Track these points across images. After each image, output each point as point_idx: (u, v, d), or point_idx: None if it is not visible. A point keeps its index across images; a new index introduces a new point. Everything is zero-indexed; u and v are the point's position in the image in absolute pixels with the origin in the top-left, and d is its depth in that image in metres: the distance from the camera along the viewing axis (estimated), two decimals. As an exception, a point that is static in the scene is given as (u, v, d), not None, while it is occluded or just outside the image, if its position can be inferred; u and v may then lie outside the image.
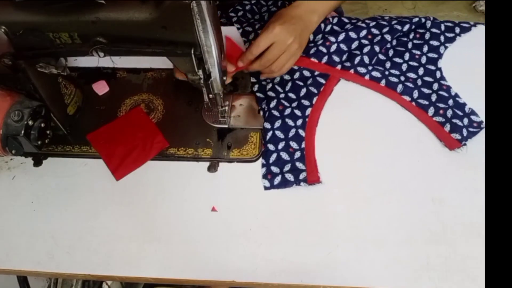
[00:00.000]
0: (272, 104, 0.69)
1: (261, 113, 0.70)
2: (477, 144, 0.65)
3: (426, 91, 0.70)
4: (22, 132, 0.57)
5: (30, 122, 0.58)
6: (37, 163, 0.68)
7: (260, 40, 0.65)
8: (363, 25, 0.75)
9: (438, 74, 0.73)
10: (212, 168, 0.66)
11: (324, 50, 0.73)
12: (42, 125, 0.61)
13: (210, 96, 0.62)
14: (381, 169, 0.64)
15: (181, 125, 0.70)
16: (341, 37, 0.73)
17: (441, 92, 0.70)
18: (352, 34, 0.74)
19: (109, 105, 0.73)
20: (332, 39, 0.73)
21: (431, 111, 0.68)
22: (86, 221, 0.61)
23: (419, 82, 0.72)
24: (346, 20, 0.78)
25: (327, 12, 0.74)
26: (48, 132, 0.63)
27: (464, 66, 0.74)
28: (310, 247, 0.58)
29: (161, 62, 0.77)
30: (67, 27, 0.53)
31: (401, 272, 0.56)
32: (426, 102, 0.69)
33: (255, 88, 0.73)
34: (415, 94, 0.70)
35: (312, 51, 0.73)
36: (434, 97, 0.69)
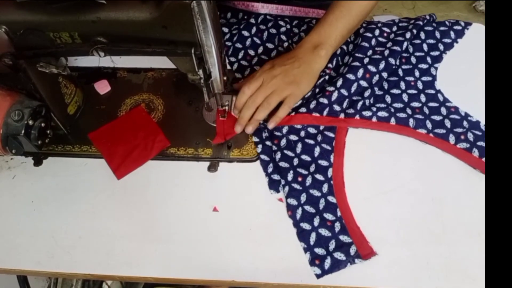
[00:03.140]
0: (290, 176, 0.63)
1: (267, 178, 0.64)
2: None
3: (437, 118, 0.67)
4: (22, 131, 0.57)
5: (30, 122, 0.58)
6: (37, 162, 0.68)
7: (245, 85, 0.65)
8: (357, 63, 0.71)
9: (440, 97, 0.70)
10: (212, 168, 0.66)
11: (326, 101, 0.68)
12: (42, 124, 0.61)
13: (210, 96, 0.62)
14: (381, 168, 0.64)
15: (181, 125, 0.70)
16: (339, 82, 0.69)
17: (452, 116, 0.67)
18: (350, 76, 0.69)
19: (109, 105, 0.73)
20: (331, 88, 0.69)
21: (451, 139, 0.65)
22: (86, 221, 0.62)
23: (426, 110, 0.69)
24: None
25: (338, 42, 0.70)
26: (48, 131, 0.63)
27: (459, 68, 0.74)
28: (310, 247, 0.58)
29: (162, 62, 0.77)
30: (68, 27, 0.53)
31: (401, 272, 0.56)
32: (443, 131, 0.66)
33: (259, 149, 0.66)
34: (429, 124, 0.67)
35: (312, 105, 0.68)
36: (448, 123, 0.67)
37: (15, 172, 0.67)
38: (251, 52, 0.78)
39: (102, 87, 0.75)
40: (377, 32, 0.77)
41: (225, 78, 0.60)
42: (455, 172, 0.63)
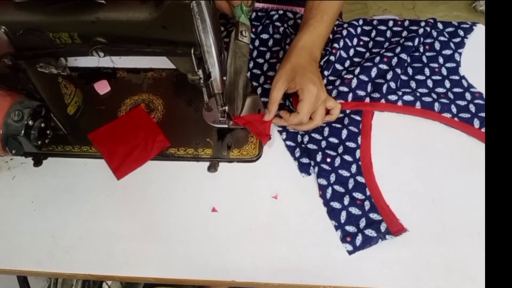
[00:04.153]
0: (318, 157, 0.64)
1: (296, 162, 0.65)
2: (477, 144, 0.66)
3: (461, 103, 0.68)
4: (22, 132, 0.57)
5: (30, 122, 0.58)
6: (37, 163, 0.68)
7: (303, 107, 0.61)
8: (374, 52, 0.73)
9: (465, 83, 0.71)
10: (212, 168, 0.66)
11: (346, 88, 0.70)
12: (42, 125, 0.61)
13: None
14: (381, 168, 0.64)
15: (181, 125, 0.70)
16: (357, 70, 0.71)
17: (477, 101, 0.68)
18: (368, 63, 0.71)
19: (109, 105, 0.73)
20: (349, 76, 0.70)
21: (476, 123, 0.66)
22: (86, 221, 0.62)
23: (451, 95, 0.70)
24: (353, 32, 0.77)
25: (325, 41, 0.71)
26: (48, 132, 0.63)
27: (462, 66, 0.74)
28: (310, 247, 0.58)
29: (161, 62, 0.77)
30: (67, 27, 0.54)
31: (401, 272, 0.56)
32: (468, 115, 0.67)
33: (283, 136, 0.68)
34: (453, 109, 0.68)
35: (334, 93, 0.69)
36: (472, 108, 0.68)
37: (15, 173, 0.67)
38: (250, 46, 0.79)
39: (102, 87, 0.75)
40: (390, 23, 0.78)
41: (224, 78, 0.60)
42: (455, 172, 0.63)
